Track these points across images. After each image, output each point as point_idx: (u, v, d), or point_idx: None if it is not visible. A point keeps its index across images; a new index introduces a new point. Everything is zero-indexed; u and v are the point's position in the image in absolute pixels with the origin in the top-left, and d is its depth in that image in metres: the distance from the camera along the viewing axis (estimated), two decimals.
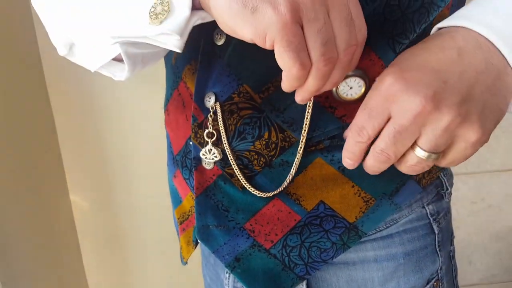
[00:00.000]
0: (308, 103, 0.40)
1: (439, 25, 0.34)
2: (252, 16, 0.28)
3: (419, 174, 0.46)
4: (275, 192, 0.44)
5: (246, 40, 0.31)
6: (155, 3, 0.32)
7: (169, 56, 0.50)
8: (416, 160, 0.33)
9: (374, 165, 0.34)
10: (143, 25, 0.33)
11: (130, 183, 1.14)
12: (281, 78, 0.37)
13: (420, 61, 0.31)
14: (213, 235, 0.48)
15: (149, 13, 0.32)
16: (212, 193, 0.47)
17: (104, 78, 1.00)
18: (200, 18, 0.34)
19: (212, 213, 0.47)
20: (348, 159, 0.36)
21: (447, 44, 0.32)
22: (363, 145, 0.34)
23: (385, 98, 0.32)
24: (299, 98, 0.34)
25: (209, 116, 0.43)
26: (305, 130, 0.41)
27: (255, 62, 0.40)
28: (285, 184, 0.44)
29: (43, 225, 1.04)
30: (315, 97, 0.40)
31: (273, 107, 0.41)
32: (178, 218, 0.56)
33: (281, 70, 0.39)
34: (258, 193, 0.45)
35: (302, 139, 0.42)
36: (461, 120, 0.30)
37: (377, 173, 0.36)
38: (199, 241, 0.50)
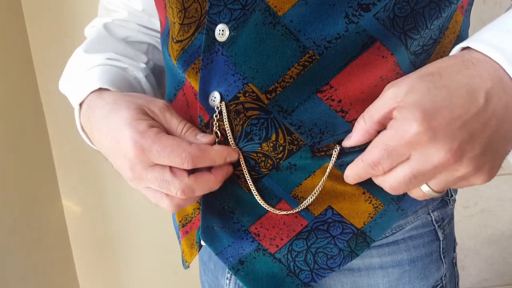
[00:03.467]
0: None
1: (467, 44, 0.34)
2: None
3: None
4: (292, 211, 0.44)
5: None
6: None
7: (168, 57, 0.49)
8: (419, 194, 0.35)
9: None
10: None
11: (123, 187, 1.12)
12: (287, 78, 0.36)
13: (447, 105, 0.31)
14: (218, 237, 0.47)
15: None
16: (218, 194, 0.46)
17: None
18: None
19: (218, 215, 0.47)
20: (352, 179, 0.38)
21: (475, 83, 0.31)
22: (373, 175, 0.35)
23: (409, 144, 0.32)
24: None
25: (214, 116, 0.42)
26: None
27: (260, 60, 0.39)
28: (302, 206, 0.44)
29: (34, 230, 1.02)
30: (326, 100, 0.39)
31: (281, 109, 0.40)
32: (180, 221, 0.54)
33: (288, 69, 0.39)
34: (269, 208, 0.44)
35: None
36: (475, 172, 0.32)
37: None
38: (202, 242, 0.49)
